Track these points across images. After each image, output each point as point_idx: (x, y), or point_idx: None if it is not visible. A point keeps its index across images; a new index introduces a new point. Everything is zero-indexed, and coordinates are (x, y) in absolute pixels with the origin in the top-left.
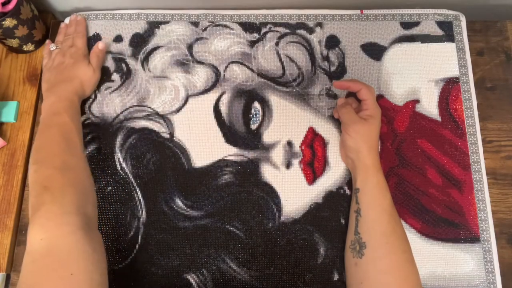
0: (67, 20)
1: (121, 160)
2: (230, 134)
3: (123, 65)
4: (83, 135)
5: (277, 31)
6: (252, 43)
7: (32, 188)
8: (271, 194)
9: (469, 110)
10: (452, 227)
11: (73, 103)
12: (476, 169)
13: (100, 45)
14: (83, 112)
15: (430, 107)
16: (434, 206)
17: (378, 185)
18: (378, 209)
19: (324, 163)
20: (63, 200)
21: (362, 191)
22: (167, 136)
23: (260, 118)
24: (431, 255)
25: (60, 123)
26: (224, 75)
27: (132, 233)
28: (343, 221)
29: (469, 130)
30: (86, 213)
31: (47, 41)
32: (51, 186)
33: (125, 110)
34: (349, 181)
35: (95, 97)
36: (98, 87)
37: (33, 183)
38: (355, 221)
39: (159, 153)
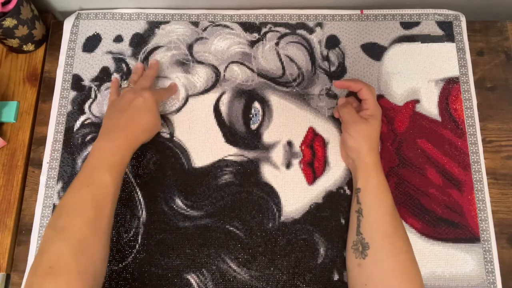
0: (134, 62)
1: None
2: (230, 134)
3: (123, 65)
4: (83, 136)
5: (277, 31)
6: (252, 43)
7: (40, 255)
8: (271, 194)
9: (469, 110)
10: (452, 227)
11: (124, 157)
12: (476, 169)
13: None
14: (83, 112)
15: (430, 107)
16: (434, 206)
17: (380, 185)
18: (380, 209)
19: (324, 163)
20: None
21: (363, 191)
22: (167, 136)
23: (260, 118)
24: (431, 255)
25: (98, 183)
26: (224, 75)
27: (132, 233)
28: (343, 221)
29: (469, 130)
30: None
31: (114, 78)
32: (58, 270)
33: None
34: (349, 181)
35: (95, 97)
36: (98, 87)
37: (42, 252)
38: (357, 221)
39: (159, 153)
